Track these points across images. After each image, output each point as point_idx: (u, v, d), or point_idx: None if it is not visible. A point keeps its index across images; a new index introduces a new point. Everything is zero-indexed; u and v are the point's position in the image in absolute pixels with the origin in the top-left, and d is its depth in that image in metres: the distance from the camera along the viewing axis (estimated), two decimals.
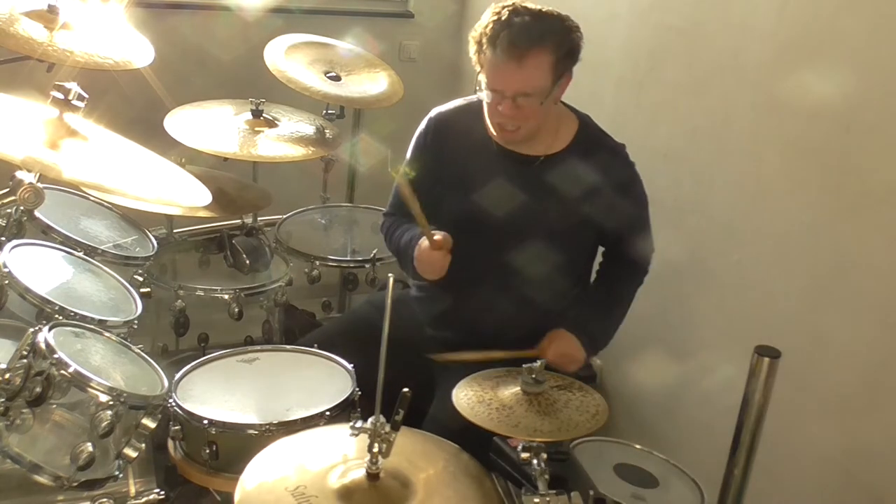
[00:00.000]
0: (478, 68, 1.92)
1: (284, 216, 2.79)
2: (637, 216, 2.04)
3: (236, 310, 2.43)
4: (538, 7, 1.86)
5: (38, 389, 1.52)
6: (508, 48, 1.79)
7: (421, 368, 1.96)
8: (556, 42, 1.82)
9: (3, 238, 1.86)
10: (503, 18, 1.82)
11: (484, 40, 1.84)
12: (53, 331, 1.61)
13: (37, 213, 1.95)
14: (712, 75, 2.29)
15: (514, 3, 1.86)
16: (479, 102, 2.06)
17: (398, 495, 1.42)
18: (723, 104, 2.25)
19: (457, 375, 1.70)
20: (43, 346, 1.56)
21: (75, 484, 1.57)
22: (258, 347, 2.05)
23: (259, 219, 2.63)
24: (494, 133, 1.94)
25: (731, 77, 2.22)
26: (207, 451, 1.73)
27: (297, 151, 2.49)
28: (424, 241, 1.93)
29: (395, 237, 2.13)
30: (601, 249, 2.14)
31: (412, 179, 2.11)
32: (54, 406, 1.60)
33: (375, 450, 1.41)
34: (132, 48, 2.03)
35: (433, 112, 2.10)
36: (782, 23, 2.05)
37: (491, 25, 1.83)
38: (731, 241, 2.24)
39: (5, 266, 1.72)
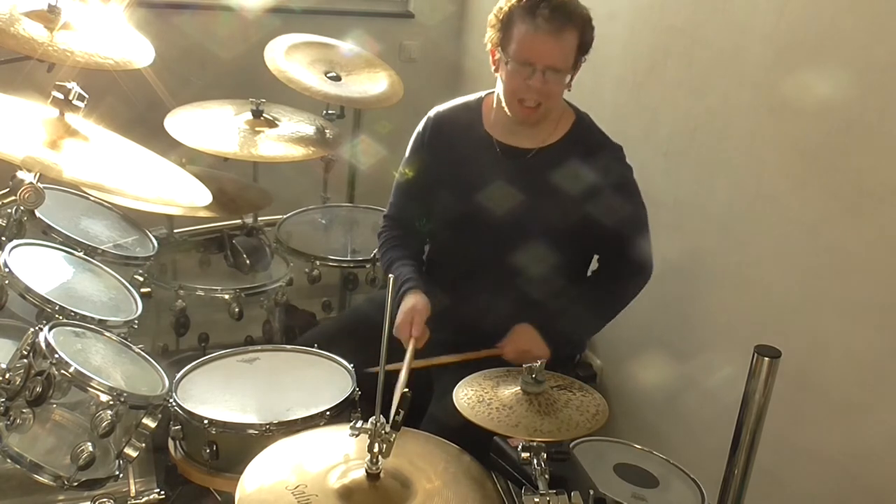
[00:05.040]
0: (489, 48, 1.93)
1: (285, 216, 2.79)
2: (633, 215, 2.03)
3: (236, 310, 2.43)
4: None
5: (38, 389, 1.52)
6: (550, 19, 1.82)
7: (420, 368, 1.96)
8: (583, 25, 1.88)
9: (4, 238, 1.86)
10: None
11: (515, 15, 1.86)
12: (54, 331, 1.61)
13: (37, 213, 1.95)
14: (712, 75, 2.29)
15: None
16: (478, 101, 2.07)
17: (398, 496, 1.42)
18: (723, 104, 2.25)
19: (456, 375, 1.70)
20: (43, 345, 1.56)
21: (76, 484, 1.57)
22: (258, 347, 2.05)
23: (259, 219, 2.64)
24: (510, 112, 1.94)
25: (731, 77, 2.22)
26: (208, 450, 1.73)
27: (298, 151, 2.49)
28: (409, 302, 1.92)
29: (386, 260, 2.13)
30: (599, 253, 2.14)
31: (410, 179, 2.11)
32: (54, 406, 1.60)
33: (376, 450, 1.41)
34: (132, 48, 2.03)
35: (432, 112, 2.11)
36: (782, 23, 2.05)
37: (524, 0, 1.85)
38: (731, 241, 2.24)
39: (6, 266, 1.72)
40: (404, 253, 2.09)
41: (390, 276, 2.01)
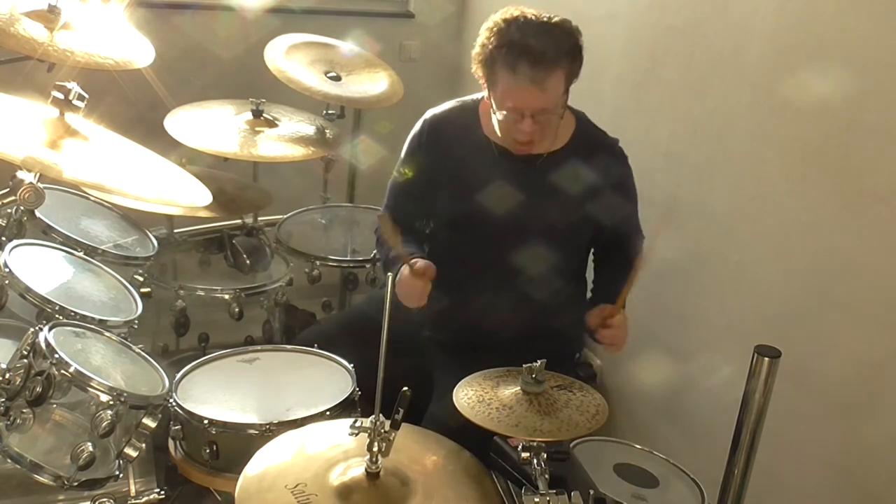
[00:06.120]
0: (481, 80, 1.91)
1: (285, 216, 2.79)
2: (632, 211, 2.05)
3: (237, 310, 2.43)
4: (544, 18, 1.82)
5: (38, 389, 1.53)
6: (531, 73, 1.76)
7: (419, 367, 1.96)
8: (570, 57, 1.82)
9: (4, 238, 1.87)
10: (516, 40, 1.78)
11: (497, 63, 1.81)
12: (54, 331, 1.61)
13: (37, 213, 1.95)
14: (712, 75, 2.29)
15: (518, 16, 1.82)
16: (475, 102, 2.06)
17: (398, 494, 1.42)
18: (723, 104, 2.25)
19: (456, 374, 1.70)
20: (43, 345, 1.56)
21: (76, 483, 1.57)
22: (258, 347, 2.05)
23: (259, 219, 2.64)
24: (507, 145, 1.93)
25: (731, 77, 2.22)
26: (208, 450, 1.73)
27: (298, 151, 2.50)
28: (406, 268, 1.89)
29: (384, 247, 2.12)
30: (598, 249, 2.14)
31: (407, 180, 2.11)
32: (55, 406, 1.60)
33: (375, 449, 1.41)
34: (132, 48, 2.03)
35: (427, 114, 2.10)
36: (782, 23, 2.05)
37: (506, 49, 1.78)
38: (731, 241, 2.24)
39: (6, 266, 1.72)
40: (406, 238, 2.08)
41: (390, 258, 2.01)
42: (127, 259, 2.14)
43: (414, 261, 1.86)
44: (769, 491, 2.00)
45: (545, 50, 1.77)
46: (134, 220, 2.34)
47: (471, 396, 1.59)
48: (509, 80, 1.79)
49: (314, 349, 2.01)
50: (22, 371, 1.55)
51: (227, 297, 2.44)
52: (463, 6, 3.56)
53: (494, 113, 1.88)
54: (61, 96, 1.65)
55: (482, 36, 1.86)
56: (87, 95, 1.68)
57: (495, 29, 1.83)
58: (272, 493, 1.40)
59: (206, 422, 1.73)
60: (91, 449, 1.55)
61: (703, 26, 2.31)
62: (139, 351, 1.83)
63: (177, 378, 1.86)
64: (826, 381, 1.97)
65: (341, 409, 1.79)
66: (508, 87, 1.81)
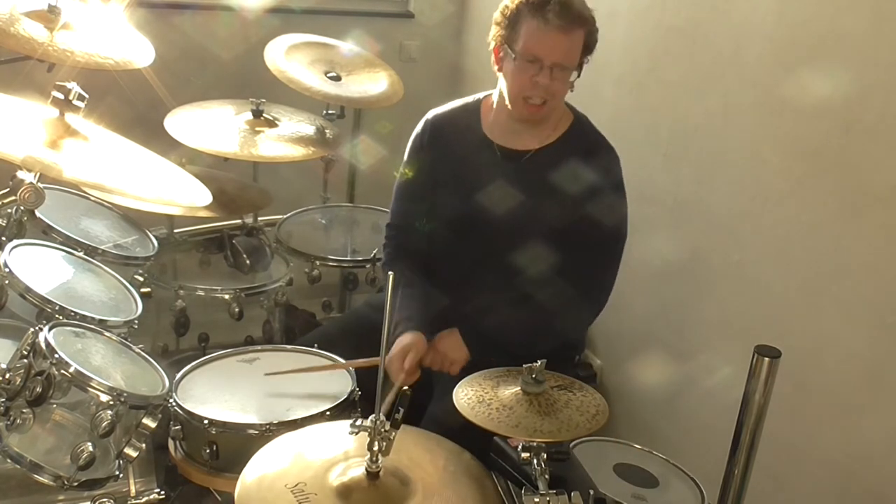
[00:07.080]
0: (493, 46, 1.93)
1: (285, 216, 2.79)
2: (613, 227, 1.99)
3: (237, 310, 2.43)
4: None
5: (38, 389, 1.52)
6: (561, 15, 1.83)
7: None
8: (589, 26, 1.90)
9: (4, 238, 1.86)
10: None
11: (523, 13, 1.86)
12: (54, 331, 1.61)
13: (37, 213, 1.95)
14: (712, 75, 2.29)
15: None
16: (477, 102, 2.07)
17: (398, 494, 1.42)
18: (723, 104, 2.25)
19: (456, 374, 1.70)
20: (43, 345, 1.56)
21: (76, 484, 1.57)
22: (258, 347, 2.05)
23: (259, 219, 2.64)
24: (514, 110, 1.93)
25: (731, 77, 2.22)
26: (208, 451, 1.73)
27: (298, 151, 2.50)
28: (405, 339, 1.92)
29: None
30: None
31: (410, 180, 2.11)
32: (55, 406, 1.60)
33: (375, 448, 1.41)
34: (133, 48, 2.03)
35: (429, 114, 2.11)
36: (782, 23, 2.05)
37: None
38: (731, 241, 2.24)
39: (6, 266, 1.72)
40: (407, 279, 2.05)
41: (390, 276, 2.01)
42: (127, 259, 2.14)
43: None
44: (769, 491, 2.00)
45: (572, 3, 1.86)
46: (134, 220, 2.33)
47: (471, 397, 1.59)
48: (536, 26, 1.85)
49: (314, 349, 2.01)
50: (22, 371, 1.55)
51: (227, 297, 2.44)
52: (463, 6, 3.56)
53: (512, 60, 1.89)
54: (61, 96, 1.65)
55: (505, 1, 1.91)
56: (87, 95, 1.68)
57: None
58: (272, 492, 1.40)
59: (206, 422, 1.73)
60: (91, 449, 1.55)
61: (703, 26, 2.31)
62: (139, 351, 1.83)
63: (177, 378, 1.86)
64: (826, 381, 1.97)
65: (341, 409, 1.79)
66: (534, 33, 1.85)
